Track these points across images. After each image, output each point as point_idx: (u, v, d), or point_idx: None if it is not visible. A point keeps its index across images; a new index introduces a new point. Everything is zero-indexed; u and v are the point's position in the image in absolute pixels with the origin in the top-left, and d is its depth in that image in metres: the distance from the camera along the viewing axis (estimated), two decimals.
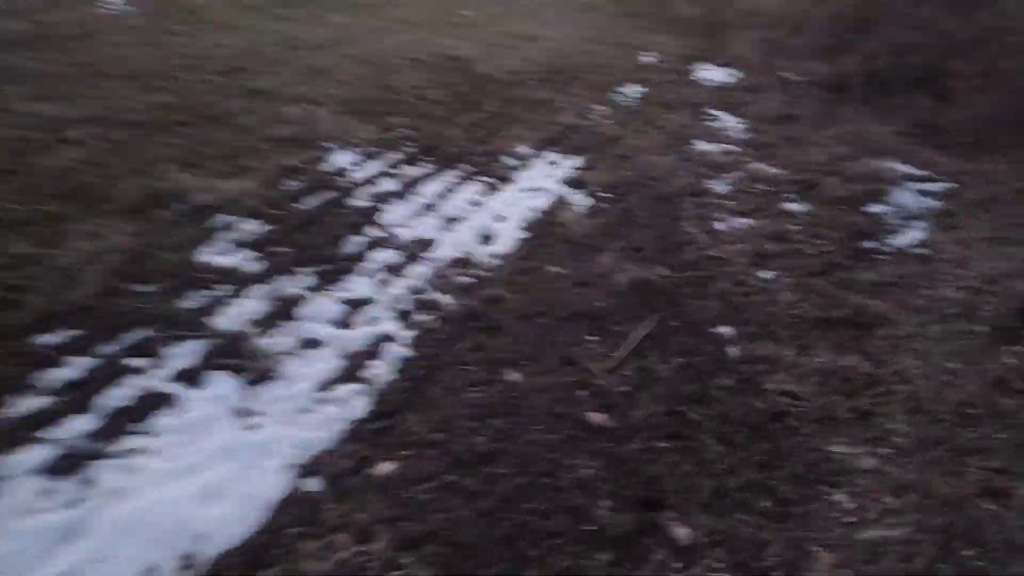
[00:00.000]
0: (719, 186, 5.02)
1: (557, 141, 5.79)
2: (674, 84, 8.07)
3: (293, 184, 4.30)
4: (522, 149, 5.50)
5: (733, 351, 3.11)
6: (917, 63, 7.25)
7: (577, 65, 8.43)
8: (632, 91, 7.67)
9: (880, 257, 4.11)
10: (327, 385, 2.69)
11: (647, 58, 9.42)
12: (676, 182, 5.00)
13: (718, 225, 4.38)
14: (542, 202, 4.56)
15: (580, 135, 5.98)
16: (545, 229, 4.16)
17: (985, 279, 3.81)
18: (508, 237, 4.04)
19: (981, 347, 3.17)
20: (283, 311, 3.10)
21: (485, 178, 4.86)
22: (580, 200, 4.64)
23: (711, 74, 8.73)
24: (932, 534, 2.18)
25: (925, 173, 5.56)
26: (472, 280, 3.53)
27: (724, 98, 7.54)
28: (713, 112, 6.98)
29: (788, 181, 5.11)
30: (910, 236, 4.44)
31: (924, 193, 5.19)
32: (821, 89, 8.07)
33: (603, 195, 4.74)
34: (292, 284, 3.31)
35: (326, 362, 2.83)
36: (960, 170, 5.63)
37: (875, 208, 4.81)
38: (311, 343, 2.93)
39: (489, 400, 2.65)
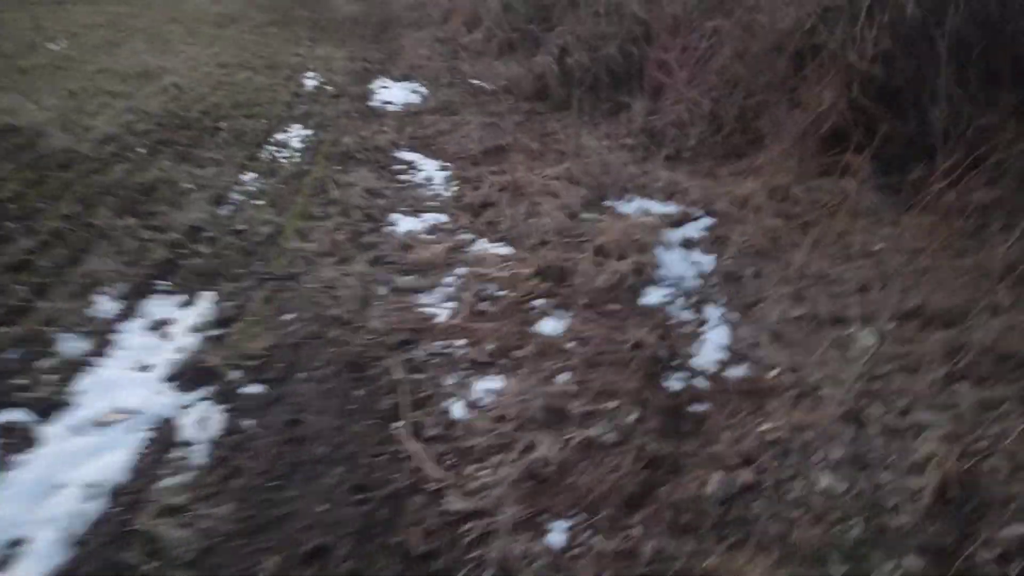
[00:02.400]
0: (439, 310, 3.12)
1: (170, 268, 3.42)
2: (349, 117, 5.96)
3: None
4: (104, 301, 3.07)
5: None
6: (616, 60, 6.01)
7: (214, 108, 5.92)
8: (295, 138, 5.43)
9: (698, 410, 2.53)
10: None
11: (311, 81, 7.18)
12: (373, 319, 3.00)
13: (457, 414, 2.47)
14: (122, 451, 2.25)
15: (212, 246, 3.65)
16: (115, 544, 1.90)
17: (854, 445, 2.38)
18: None
19: None
20: None
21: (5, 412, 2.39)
22: (205, 415, 2.43)
23: (392, 94, 6.78)
24: None
25: (678, 209, 4.22)
26: None
27: (415, 131, 5.65)
28: (406, 157, 5.05)
29: (530, 275, 3.38)
30: (712, 341, 2.96)
31: (689, 245, 3.82)
32: (520, 98, 6.56)
33: (250, 389, 2.56)
34: None
35: None
36: (708, 194, 4.38)
37: (651, 296, 3.28)
38: None
39: None
